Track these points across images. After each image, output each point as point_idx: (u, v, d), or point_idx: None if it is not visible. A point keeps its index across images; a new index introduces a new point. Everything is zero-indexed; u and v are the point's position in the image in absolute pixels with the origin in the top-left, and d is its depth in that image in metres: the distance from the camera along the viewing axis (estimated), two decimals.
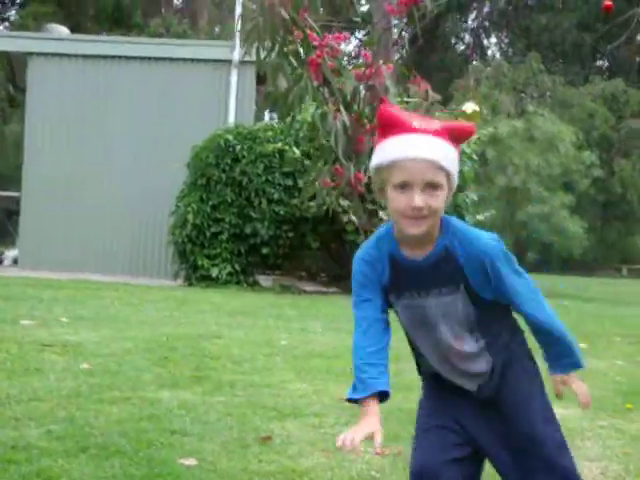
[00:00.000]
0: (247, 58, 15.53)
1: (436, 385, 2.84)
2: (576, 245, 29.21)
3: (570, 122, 38.19)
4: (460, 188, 15.92)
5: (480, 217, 17.14)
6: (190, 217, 16.02)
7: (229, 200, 16.06)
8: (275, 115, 19.99)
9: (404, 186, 2.49)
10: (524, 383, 2.79)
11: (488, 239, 2.61)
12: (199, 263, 16.07)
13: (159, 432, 4.29)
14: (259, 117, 20.99)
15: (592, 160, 35.30)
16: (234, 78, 17.74)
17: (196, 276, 16.18)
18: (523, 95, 40.78)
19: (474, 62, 50.18)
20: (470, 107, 15.18)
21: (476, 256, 2.59)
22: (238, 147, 16.06)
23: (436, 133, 2.52)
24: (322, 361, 6.68)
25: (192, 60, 18.18)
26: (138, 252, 18.09)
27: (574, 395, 2.66)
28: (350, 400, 2.65)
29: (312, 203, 15.04)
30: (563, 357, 2.70)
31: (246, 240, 16.17)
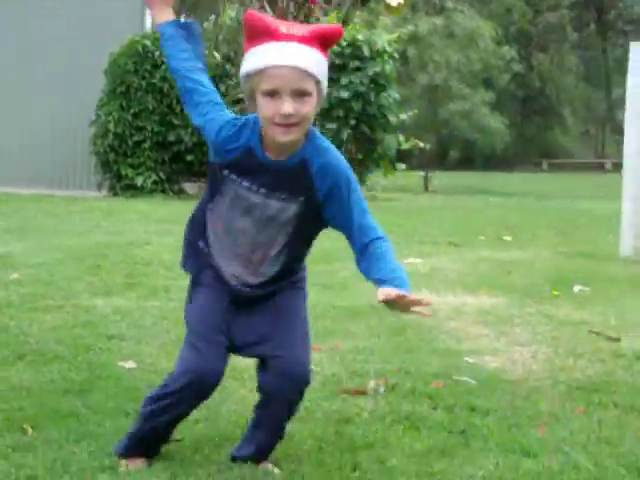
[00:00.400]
0: None
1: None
2: (497, 141, 29.48)
3: (489, 17, 38.16)
4: (383, 88, 15.91)
5: (403, 116, 17.14)
6: (111, 126, 15.79)
7: (150, 108, 15.83)
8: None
9: (273, 94, 2.48)
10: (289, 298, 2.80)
11: (346, 163, 2.63)
12: (123, 173, 15.90)
13: (96, 337, 4.30)
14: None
15: (512, 55, 35.46)
16: None
17: (121, 186, 16.02)
18: None
19: None
20: (395, 0, 15.09)
21: (332, 173, 2.59)
22: (157, 53, 15.77)
23: (303, 39, 2.51)
24: None
25: None
26: (59, 163, 17.77)
27: (412, 306, 2.57)
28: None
29: (236, 108, 14.92)
30: (397, 272, 2.61)
31: (170, 148, 16.01)
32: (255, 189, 2.62)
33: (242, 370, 3.72)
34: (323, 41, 2.54)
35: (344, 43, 15.30)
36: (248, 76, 2.54)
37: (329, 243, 8.14)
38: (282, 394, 2.69)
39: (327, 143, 2.64)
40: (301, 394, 2.72)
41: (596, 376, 3.86)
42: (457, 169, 30.93)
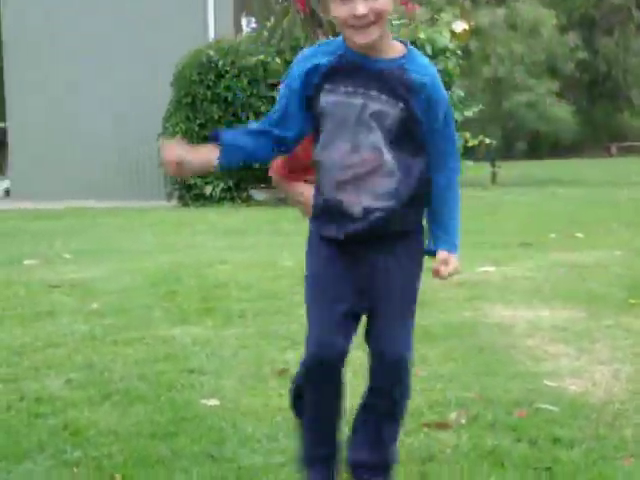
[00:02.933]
0: None
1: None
2: (565, 130, 29.17)
3: (551, 4, 37.70)
4: (447, 85, 15.82)
5: (468, 113, 17.05)
6: (179, 137, 15.93)
7: (216, 117, 15.99)
8: (252, 19, 19.68)
9: None
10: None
11: (444, 89, 2.63)
12: (192, 182, 16.07)
13: (177, 372, 4.36)
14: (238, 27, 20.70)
15: (576, 42, 35.03)
16: None
17: (190, 195, 16.22)
18: None
19: None
20: (460, 26, 15.05)
21: (431, 90, 2.56)
22: (220, 62, 15.91)
23: None
24: None
25: None
26: (131, 175, 18.04)
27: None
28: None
29: None
30: (452, 232, 2.67)
31: None
32: (352, 91, 2.55)
33: None
34: None
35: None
36: None
37: None
38: None
39: (429, 62, 2.64)
40: None
41: None
42: (525, 158, 30.63)
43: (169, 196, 16.70)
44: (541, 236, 10.03)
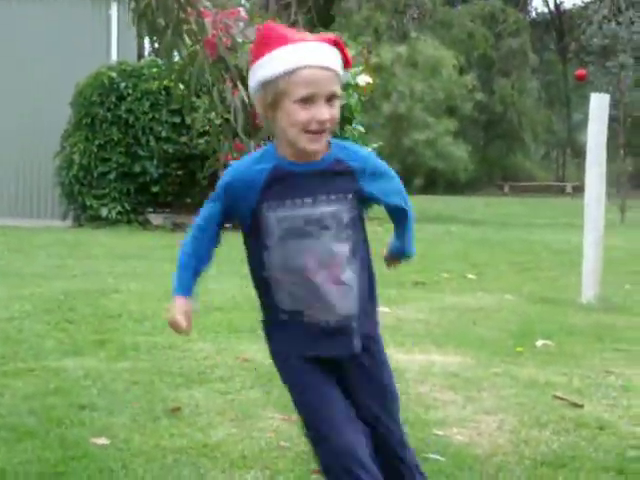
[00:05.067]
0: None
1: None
2: (461, 169, 29.83)
3: (451, 43, 38.50)
4: (348, 120, 16.02)
5: (368, 149, 17.27)
6: (76, 157, 15.81)
7: (116, 139, 15.87)
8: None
9: (308, 99, 2.39)
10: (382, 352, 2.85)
11: (366, 149, 2.72)
12: (88, 203, 15.92)
13: (67, 408, 4.32)
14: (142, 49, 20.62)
15: (474, 84, 35.90)
16: (114, 13, 17.34)
17: (85, 216, 16.03)
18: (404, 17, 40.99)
19: None
20: (363, 80, 15.32)
21: (363, 161, 2.60)
22: (122, 85, 15.82)
23: (322, 40, 2.47)
24: (222, 315, 6.75)
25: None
26: (24, 193, 17.73)
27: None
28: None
29: (201, 140, 14.98)
30: (411, 242, 2.91)
31: (135, 179, 16.04)
32: (300, 201, 2.53)
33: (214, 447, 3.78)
34: (337, 47, 2.49)
35: None
36: (270, 82, 2.42)
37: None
38: None
39: (356, 145, 2.70)
40: None
41: (560, 450, 3.94)
42: (422, 193, 31.20)
43: (64, 216, 16.47)
44: (434, 275, 10.23)
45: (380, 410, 2.75)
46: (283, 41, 2.43)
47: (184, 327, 2.62)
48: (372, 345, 2.77)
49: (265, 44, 2.45)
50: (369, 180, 2.61)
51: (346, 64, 2.51)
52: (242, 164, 2.61)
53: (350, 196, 2.58)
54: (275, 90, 2.42)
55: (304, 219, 2.54)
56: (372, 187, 2.63)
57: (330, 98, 2.43)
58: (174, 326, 2.63)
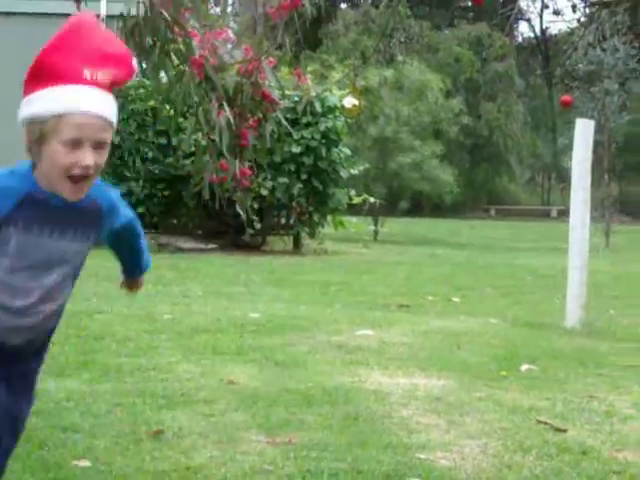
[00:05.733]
0: (113, 12, 15.27)
1: None
2: (447, 192, 29.95)
3: (437, 67, 38.65)
4: (334, 143, 16.07)
5: (354, 172, 17.34)
6: None
7: None
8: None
9: (74, 143, 2.36)
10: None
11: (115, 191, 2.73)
12: None
13: (50, 429, 4.29)
14: None
15: (460, 108, 36.06)
16: None
17: None
18: (392, 40, 41.18)
19: (342, 6, 50.18)
20: (349, 102, 15.40)
21: (112, 204, 2.65)
22: None
23: (104, 85, 2.42)
24: (207, 337, 6.74)
25: (54, 15, 17.62)
26: None
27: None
28: None
29: (187, 161, 14.98)
30: (144, 261, 2.99)
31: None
32: (48, 232, 2.50)
33: None
34: (115, 85, 2.47)
35: (296, 99, 15.44)
36: (38, 120, 2.38)
37: (285, 311, 8.26)
38: None
39: (101, 182, 2.61)
40: None
41: (544, 475, 3.95)
42: (407, 216, 31.25)
43: None
44: (419, 298, 10.25)
45: None
46: (56, 78, 2.39)
47: None
48: None
49: (36, 77, 2.41)
50: (108, 222, 2.68)
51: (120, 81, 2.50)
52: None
53: (93, 236, 2.64)
54: (43, 128, 2.39)
55: (43, 252, 2.53)
56: (107, 228, 2.70)
57: (98, 146, 2.41)
58: None
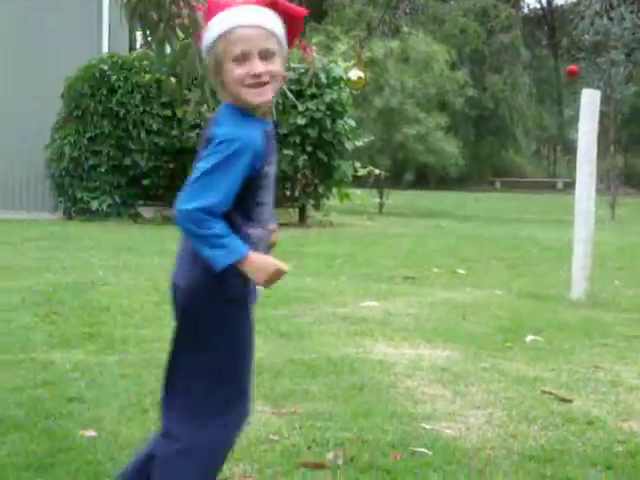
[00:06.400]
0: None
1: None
2: (452, 164, 29.88)
3: (443, 38, 38.50)
4: (339, 115, 16.02)
5: (359, 143, 17.31)
6: (67, 150, 15.77)
7: (107, 132, 15.85)
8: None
9: (243, 57, 2.54)
10: None
11: None
12: (78, 196, 15.88)
13: (56, 400, 4.31)
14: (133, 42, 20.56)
15: (465, 79, 35.93)
16: (106, 5, 17.27)
17: (75, 209, 16.00)
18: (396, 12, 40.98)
19: None
20: (355, 74, 15.34)
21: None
22: (114, 77, 15.79)
23: (260, 2, 2.59)
24: None
25: None
26: (14, 185, 17.65)
27: None
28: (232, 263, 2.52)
29: (192, 133, 14.97)
30: None
31: (126, 172, 16.01)
32: (274, 159, 2.68)
33: None
34: (279, 10, 2.62)
35: (301, 70, 15.39)
36: (212, 45, 2.57)
37: (291, 283, 8.26)
38: None
39: None
40: None
41: (548, 444, 3.95)
42: (412, 188, 31.18)
43: (54, 208, 16.43)
44: (424, 270, 10.24)
45: None
46: (220, 8, 2.59)
47: (286, 266, 2.58)
48: None
49: (208, 14, 2.63)
50: None
51: (292, 18, 2.64)
52: (250, 134, 2.57)
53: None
54: (216, 52, 2.57)
55: (272, 175, 2.70)
56: None
57: (265, 55, 2.56)
58: (281, 272, 2.55)
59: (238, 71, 2.54)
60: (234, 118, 2.58)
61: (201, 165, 2.55)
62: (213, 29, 2.57)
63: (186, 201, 2.51)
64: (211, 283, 2.61)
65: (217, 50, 2.57)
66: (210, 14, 2.61)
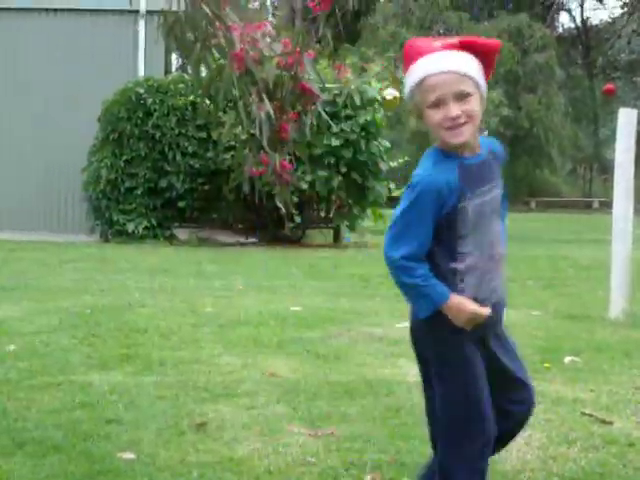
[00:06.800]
0: (153, 7, 15.35)
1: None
2: None
3: None
4: (373, 136, 16.03)
5: (394, 164, 17.32)
6: (104, 172, 15.90)
7: (143, 154, 15.96)
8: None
9: (438, 103, 2.68)
10: None
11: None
12: (115, 219, 16.00)
13: (94, 422, 4.33)
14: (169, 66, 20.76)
15: (500, 99, 35.87)
16: (142, 28, 17.44)
17: (112, 231, 16.11)
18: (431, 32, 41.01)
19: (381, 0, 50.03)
20: (390, 93, 15.36)
21: (501, 156, 2.97)
22: (150, 100, 15.93)
23: (451, 46, 2.72)
24: (249, 330, 6.75)
25: (97, 11, 17.77)
26: (52, 208, 17.82)
27: None
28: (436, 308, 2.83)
29: (227, 155, 15.04)
30: None
31: (161, 194, 16.12)
32: (486, 189, 2.81)
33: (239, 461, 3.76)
34: (474, 49, 2.74)
35: (335, 91, 15.43)
36: (411, 93, 2.75)
37: (323, 304, 8.25)
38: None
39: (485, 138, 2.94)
40: None
41: (589, 467, 3.90)
42: None
43: (91, 231, 16.57)
44: None
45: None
46: (416, 56, 2.74)
47: (485, 310, 2.90)
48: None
49: (405, 62, 2.78)
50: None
51: (488, 53, 2.76)
52: (433, 175, 2.76)
53: (500, 182, 2.93)
54: (415, 100, 2.76)
55: (488, 204, 2.84)
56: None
57: (459, 96, 2.70)
58: (479, 316, 2.89)
59: (436, 116, 2.70)
60: (431, 159, 2.77)
61: (396, 209, 2.78)
62: (408, 79, 2.75)
63: (391, 247, 2.75)
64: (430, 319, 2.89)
65: (416, 99, 2.74)
66: (407, 60, 2.75)
